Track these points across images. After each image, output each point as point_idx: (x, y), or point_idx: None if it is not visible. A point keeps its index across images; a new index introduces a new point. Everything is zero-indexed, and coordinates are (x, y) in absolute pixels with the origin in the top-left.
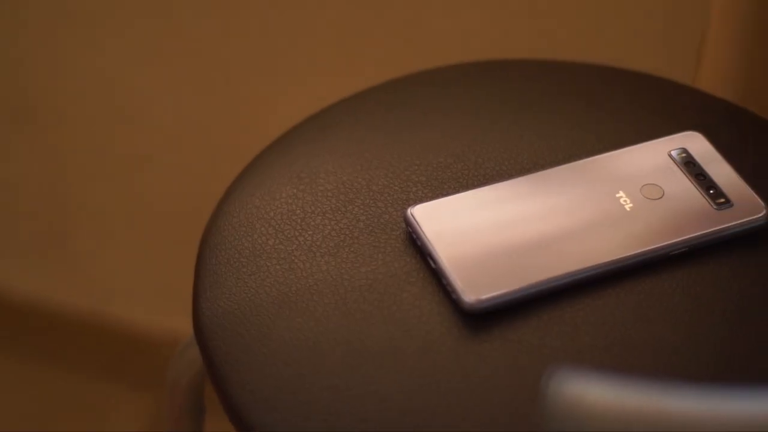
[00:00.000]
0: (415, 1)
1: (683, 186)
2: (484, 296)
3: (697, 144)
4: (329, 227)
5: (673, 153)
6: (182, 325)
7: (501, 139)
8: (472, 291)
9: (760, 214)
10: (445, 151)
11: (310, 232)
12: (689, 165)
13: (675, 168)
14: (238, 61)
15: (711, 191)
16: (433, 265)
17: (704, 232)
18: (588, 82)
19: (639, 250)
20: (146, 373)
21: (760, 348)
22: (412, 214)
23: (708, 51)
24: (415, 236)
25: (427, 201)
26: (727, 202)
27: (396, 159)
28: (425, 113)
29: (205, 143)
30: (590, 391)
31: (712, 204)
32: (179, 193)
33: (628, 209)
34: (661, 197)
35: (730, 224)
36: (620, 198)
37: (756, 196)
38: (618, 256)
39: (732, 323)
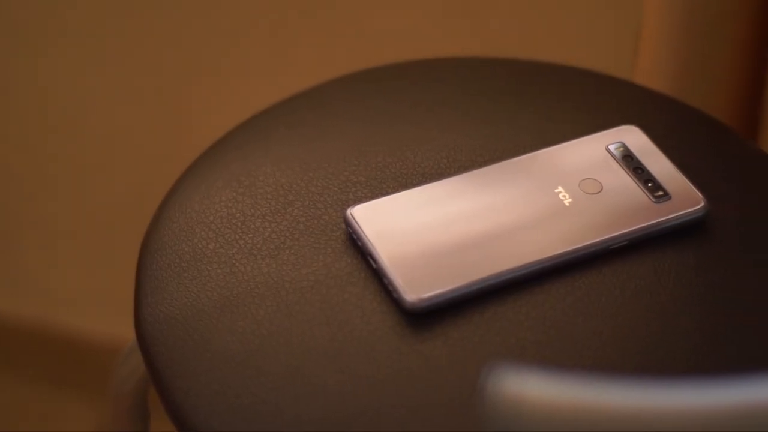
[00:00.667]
0: (348, 1)
1: (621, 180)
2: (426, 295)
3: (634, 138)
4: (269, 230)
5: (611, 147)
6: (127, 331)
7: (439, 138)
8: (414, 290)
9: (698, 206)
10: (383, 150)
11: (250, 235)
12: (627, 159)
13: (613, 162)
14: (173, 67)
15: (649, 184)
16: (374, 264)
17: (643, 225)
18: (525, 78)
19: (579, 245)
20: (91, 380)
21: (700, 340)
22: (351, 215)
23: (644, 45)
24: (355, 236)
25: (366, 201)
26: (666, 195)
27: (334, 160)
28: (363, 113)
29: (143, 150)
30: (530, 386)
31: (651, 197)
32: (120, 199)
33: (567, 204)
34: (599, 192)
35: (668, 217)
36: (559, 193)
37: (694, 188)
38: (558, 252)
39: (671, 316)
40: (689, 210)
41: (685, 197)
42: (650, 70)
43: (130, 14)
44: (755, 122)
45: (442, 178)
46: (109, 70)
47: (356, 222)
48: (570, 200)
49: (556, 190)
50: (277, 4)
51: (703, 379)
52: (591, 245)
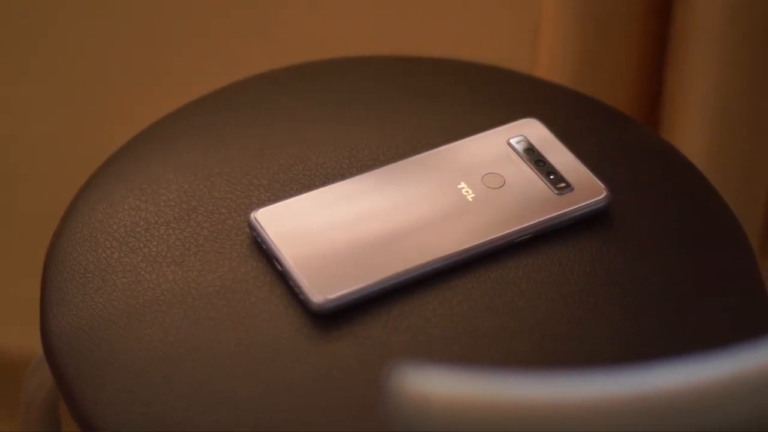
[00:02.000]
0: (251, 4)
1: (524, 173)
2: (332, 296)
3: (535, 131)
4: (173, 237)
5: (512, 141)
6: (36, 343)
7: (341, 138)
8: (320, 291)
9: (601, 197)
10: (285, 152)
11: (154, 243)
12: (529, 152)
13: (515, 156)
14: (77, 74)
15: (551, 177)
16: (279, 267)
17: (547, 217)
18: (426, 75)
19: (483, 240)
20: (2, 393)
21: (605, 330)
22: (255, 218)
23: (543, 38)
24: (259, 240)
25: (270, 204)
26: (568, 187)
27: (237, 164)
28: (264, 116)
29: (47, 160)
30: (438, 384)
31: (553, 189)
32: (25, 211)
33: (470, 200)
34: (502, 186)
35: (571, 208)
36: (462, 189)
37: (596, 179)
38: (463, 247)
39: (577, 307)
40: (592, 200)
41: (588, 188)
42: (549, 63)
43: (34, 18)
44: (655, 111)
45: (344, 178)
46: (12, 78)
47: (260, 225)
48: (473, 195)
49: (459, 186)
50: (182, 8)
51: (608, 368)
52: (495, 239)
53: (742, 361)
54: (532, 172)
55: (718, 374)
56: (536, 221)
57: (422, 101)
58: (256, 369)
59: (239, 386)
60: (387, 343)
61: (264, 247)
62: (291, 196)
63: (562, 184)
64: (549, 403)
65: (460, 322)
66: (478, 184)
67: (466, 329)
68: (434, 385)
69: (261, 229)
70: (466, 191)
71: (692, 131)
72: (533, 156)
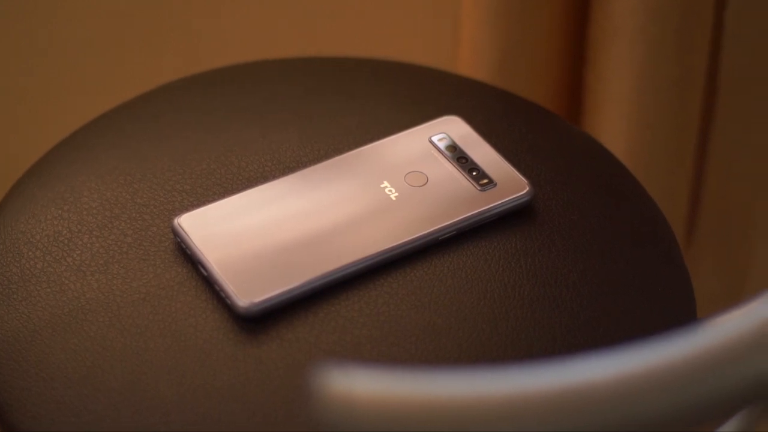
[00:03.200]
0: (171, 8)
1: (446, 171)
2: (258, 299)
3: (457, 128)
4: (97, 245)
5: (434, 138)
6: None
7: (263, 140)
8: (245, 295)
9: (524, 192)
10: (207, 157)
11: (78, 252)
12: (451, 149)
13: (437, 153)
14: None
15: (474, 173)
16: (204, 272)
17: (470, 214)
18: (347, 75)
19: (408, 238)
20: None
21: (531, 324)
22: (179, 224)
23: (463, 35)
24: (184, 245)
25: (193, 209)
26: (491, 183)
27: (159, 170)
28: (186, 121)
29: None
30: (361, 383)
31: (476, 186)
32: None
33: (394, 198)
34: (425, 184)
35: (495, 204)
36: (385, 188)
37: (518, 174)
38: (388, 246)
39: (502, 301)
40: (515, 196)
41: (510, 183)
42: (470, 60)
43: None
44: (576, 106)
45: (267, 181)
46: None
47: (184, 231)
48: (397, 194)
49: (382, 185)
50: (104, 10)
51: (534, 362)
52: (420, 237)
53: (667, 350)
54: (455, 170)
55: (643, 364)
56: (460, 218)
57: (343, 101)
58: (184, 374)
59: (167, 392)
60: (314, 345)
61: (188, 252)
62: (214, 200)
63: (485, 181)
64: (476, 400)
65: (387, 321)
66: (401, 182)
67: (392, 328)
68: (359, 384)
69: (185, 235)
70: (390, 190)
71: (614, 125)
72: (455, 153)
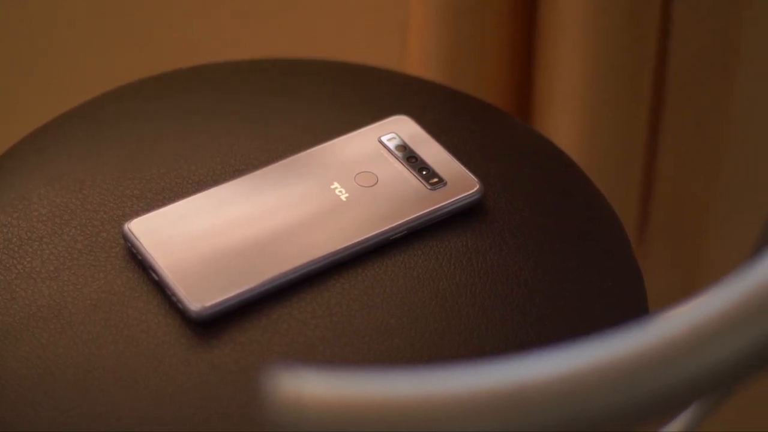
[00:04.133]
0: (130, 7)
1: (396, 170)
2: (209, 303)
3: (406, 127)
4: (47, 251)
5: (384, 138)
6: None
7: (213, 144)
8: (197, 299)
9: (474, 190)
10: (156, 162)
11: (28, 259)
12: (400, 149)
13: (387, 153)
14: None
15: (424, 172)
16: (155, 277)
17: (420, 213)
18: (295, 77)
19: (358, 239)
20: None
21: (483, 322)
22: (129, 229)
23: (412, 35)
24: (134, 251)
25: (143, 214)
26: (441, 182)
27: (108, 176)
28: (136, 126)
29: None
30: (312, 384)
31: (426, 185)
32: None
33: (344, 199)
34: (375, 184)
35: (445, 203)
36: (335, 189)
37: (468, 172)
38: (338, 247)
39: (454, 300)
40: (465, 194)
41: (461, 182)
42: (419, 59)
43: None
44: (527, 104)
45: (217, 184)
46: None
47: (134, 236)
48: (347, 195)
49: (332, 186)
50: (59, 13)
51: (487, 360)
52: (371, 237)
53: (617, 345)
54: (405, 169)
55: (593, 360)
56: (410, 217)
57: (292, 103)
58: (138, 380)
59: (121, 399)
60: (267, 347)
61: (139, 257)
62: (164, 205)
63: (435, 180)
64: (427, 400)
65: (339, 322)
66: (351, 183)
67: (345, 329)
68: (309, 386)
69: (135, 240)
70: (340, 191)
71: (564, 122)
72: (405, 153)
